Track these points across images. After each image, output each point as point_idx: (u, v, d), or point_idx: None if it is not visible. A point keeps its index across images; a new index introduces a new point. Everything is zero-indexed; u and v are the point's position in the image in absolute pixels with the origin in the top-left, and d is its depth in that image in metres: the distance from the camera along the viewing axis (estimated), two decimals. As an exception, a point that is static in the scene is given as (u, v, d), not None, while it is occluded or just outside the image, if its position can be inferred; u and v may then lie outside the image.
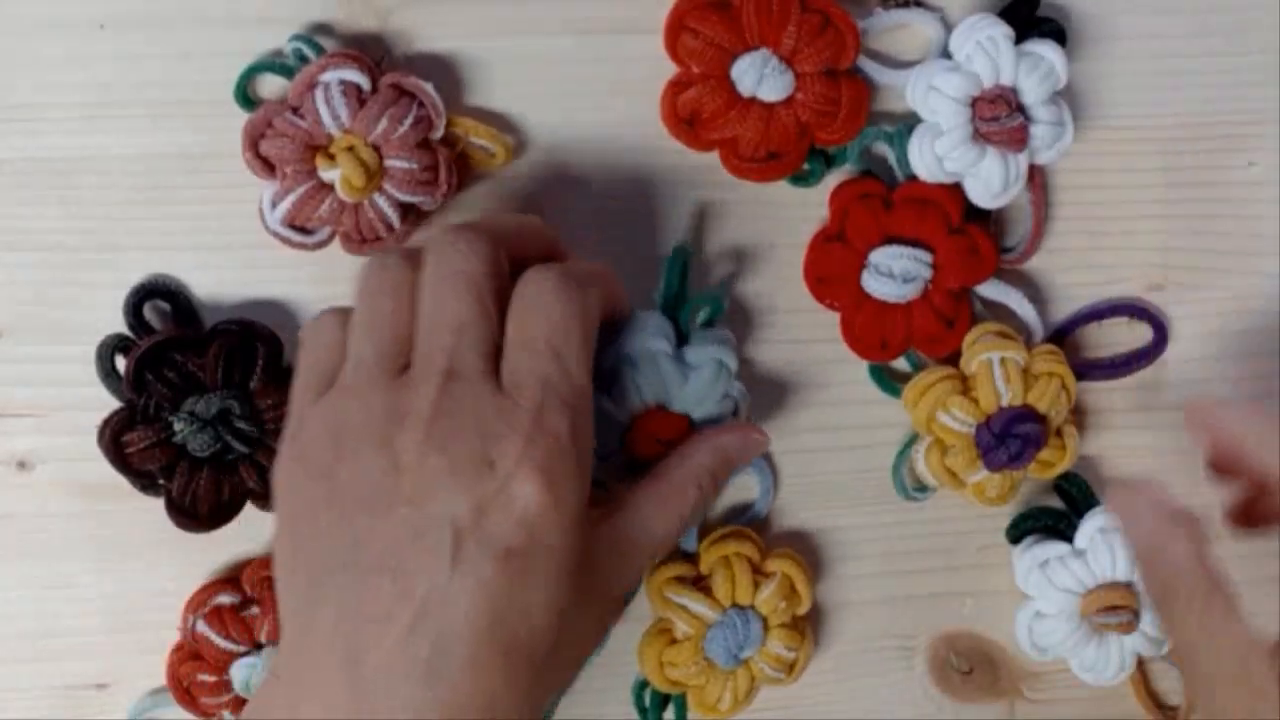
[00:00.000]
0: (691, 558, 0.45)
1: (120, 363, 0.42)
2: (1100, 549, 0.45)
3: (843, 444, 0.46)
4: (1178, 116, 0.46)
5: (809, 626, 0.46)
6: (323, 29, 0.43)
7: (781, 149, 0.43)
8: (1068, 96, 0.44)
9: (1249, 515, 0.42)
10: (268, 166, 0.41)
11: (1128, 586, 0.45)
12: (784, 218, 0.45)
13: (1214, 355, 0.47)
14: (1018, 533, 0.46)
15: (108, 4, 0.42)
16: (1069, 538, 0.45)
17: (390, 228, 0.42)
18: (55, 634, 0.44)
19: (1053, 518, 0.46)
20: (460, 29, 0.43)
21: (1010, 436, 0.43)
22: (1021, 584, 0.46)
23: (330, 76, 0.41)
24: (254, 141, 0.41)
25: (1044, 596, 0.45)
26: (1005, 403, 0.44)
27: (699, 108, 0.43)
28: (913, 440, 0.46)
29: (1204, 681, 0.36)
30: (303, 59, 0.41)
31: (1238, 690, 0.35)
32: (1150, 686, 0.48)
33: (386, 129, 0.41)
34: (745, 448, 0.41)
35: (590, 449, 0.36)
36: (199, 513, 0.42)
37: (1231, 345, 0.47)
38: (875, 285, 0.44)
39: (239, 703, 0.43)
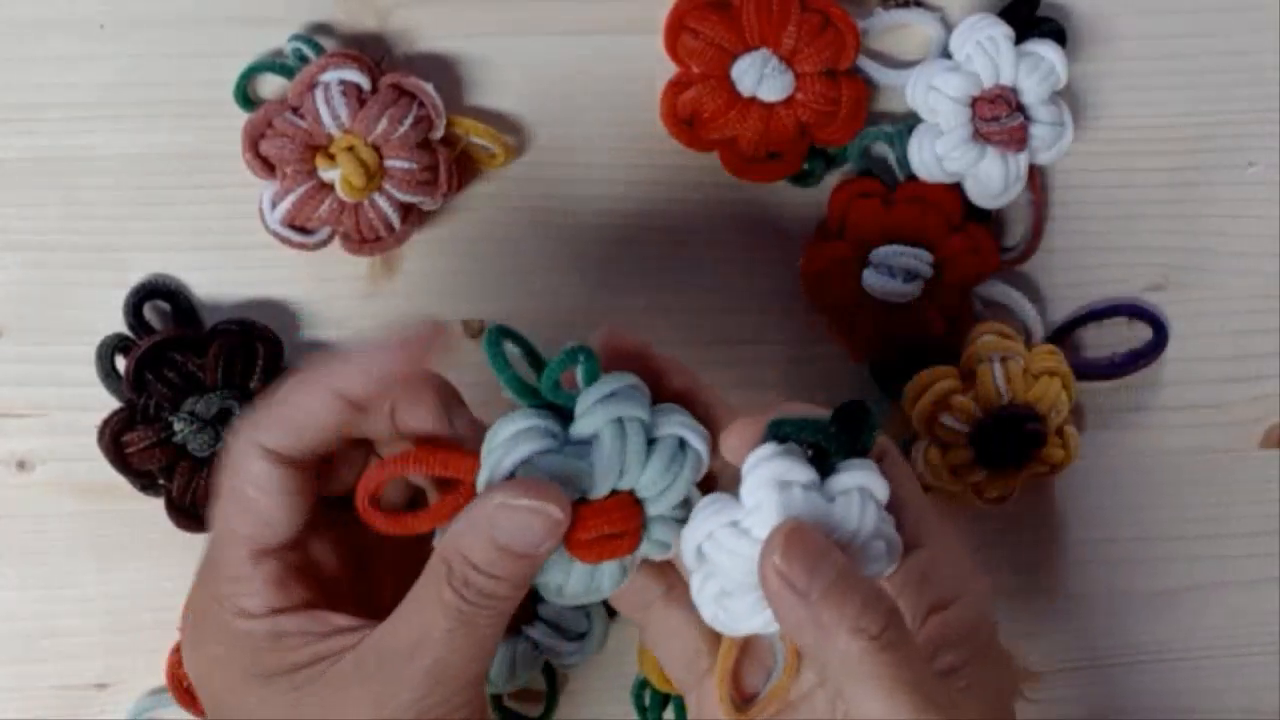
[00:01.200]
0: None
1: (120, 363, 0.42)
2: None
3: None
4: (1178, 116, 0.46)
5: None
6: (323, 29, 0.43)
7: (781, 149, 0.43)
8: (1068, 96, 0.44)
9: None
10: (268, 166, 0.41)
11: None
12: (784, 218, 0.45)
13: (1214, 355, 0.47)
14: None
15: (108, 4, 0.42)
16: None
17: (390, 228, 0.42)
18: (55, 634, 0.44)
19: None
20: (460, 29, 0.43)
21: (1010, 436, 0.43)
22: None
23: (330, 76, 0.41)
24: (254, 141, 0.41)
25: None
26: (1005, 402, 0.44)
27: (699, 108, 0.43)
28: (912, 440, 0.46)
29: None
30: (303, 59, 0.41)
31: None
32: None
33: (386, 129, 0.41)
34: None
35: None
36: (199, 513, 0.42)
37: (1231, 345, 0.47)
38: (878, 282, 0.44)
39: (239, 703, 0.43)
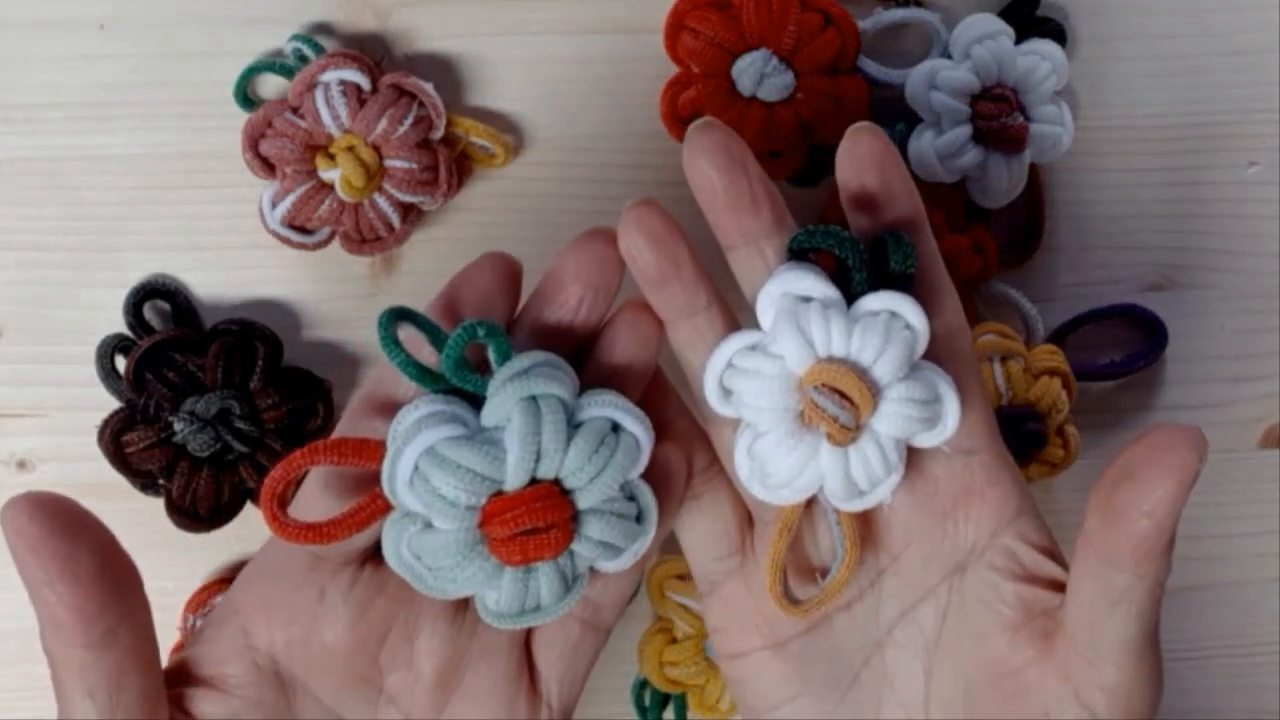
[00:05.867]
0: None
1: (120, 363, 0.42)
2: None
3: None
4: (1178, 116, 0.46)
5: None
6: (323, 29, 0.43)
7: (781, 149, 0.43)
8: (1068, 96, 0.44)
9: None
10: (268, 166, 0.41)
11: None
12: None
13: (1214, 355, 0.47)
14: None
15: (108, 4, 0.42)
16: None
17: (390, 228, 0.42)
18: (55, 634, 0.44)
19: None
20: (460, 29, 0.43)
21: (1010, 435, 0.43)
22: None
23: (330, 76, 0.41)
24: (254, 141, 0.41)
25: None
26: (1006, 402, 0.44)
27: (699, 108, 0.43)
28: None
29: None
30: (303, 59, 0.41)
31: None
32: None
33: (386, 129, 0.41)
34: None
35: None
36: (199, 513, 0.42)
37: (1231, 345, 0.47)
38: (875, 285, 0.44)
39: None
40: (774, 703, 0.35)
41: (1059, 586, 0.32)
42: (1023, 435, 0.43)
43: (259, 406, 0.42)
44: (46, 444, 0.43)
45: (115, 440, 0.41)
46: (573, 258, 0.32)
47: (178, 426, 0.41)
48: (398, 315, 0.30)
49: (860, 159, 0.31)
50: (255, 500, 0.43)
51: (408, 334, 0.30)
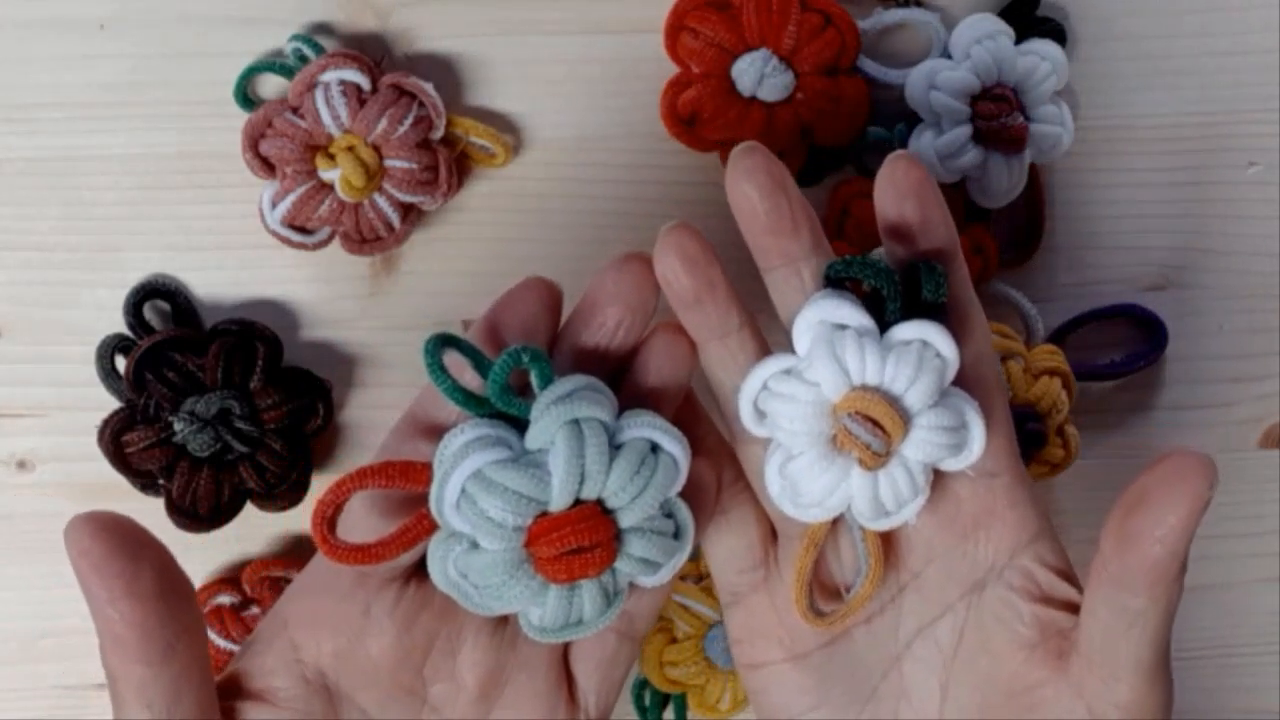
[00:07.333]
0: (693, 557, 0.45)
1: (120, 363, 0.42)
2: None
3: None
4: (1178, 116, 0.46)
5: (809, 626, 0.46)
6: (323, 29, 0.43)
7: (781, 149, 0.43)
8: (1068, 96, 0.44)
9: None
10: (268, 166, 0.41)
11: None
12: (784, 218, 0.45)
13: (1214, 355, 0.47)
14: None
15: (108, 4, 0.42)
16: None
17: (390, 228, 0.42)
18: (55, 634, 0.44)
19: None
20: (460, 29, 0.43)
21: (1010, 436, 0.43)
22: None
23: (330, 76, 0.41)
24: (254, 141, 0.41)
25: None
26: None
27: (699, 108, 0.43)
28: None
29: None
30: (303, 59, 0.41)
31: None
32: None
33: (386, 129, 0.41)
34: None
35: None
36: (199, 513, 0.42)
37: (1231, 345, 0.47)
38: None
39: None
40: (793, 713, 0.36)
41: (1073, 608, 0.33)
42: (1023, 435, 0.43)
43: (259, 406, 0.42)
44: (46, 444, 0.44)
45: (115, 440, 0.41)
46: (610, 280, 0.33)
47: (178, 426, 0.41)
48: (443, 341, 0.31)
49: (900, 188, 0.32)
50: (255, 500, 0.43)
51: (450, 358, 0.31)
